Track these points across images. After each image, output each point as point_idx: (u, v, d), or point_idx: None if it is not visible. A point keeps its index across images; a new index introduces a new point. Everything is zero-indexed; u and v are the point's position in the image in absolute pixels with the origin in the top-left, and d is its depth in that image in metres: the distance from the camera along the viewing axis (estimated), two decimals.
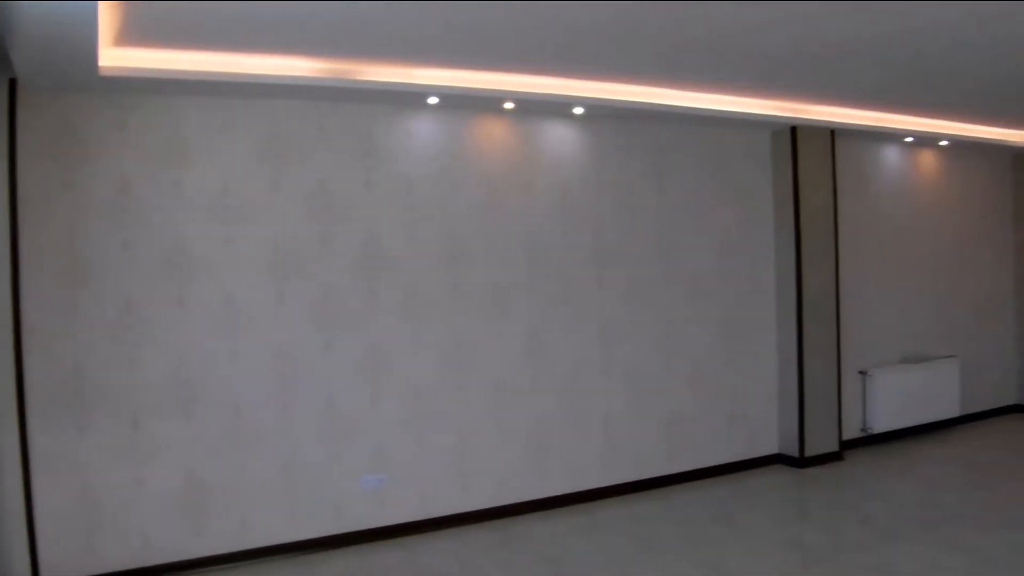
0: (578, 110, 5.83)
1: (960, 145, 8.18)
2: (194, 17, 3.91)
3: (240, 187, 5.01)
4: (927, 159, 8.22)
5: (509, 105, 5.59)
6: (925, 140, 7.84)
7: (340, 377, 5.28)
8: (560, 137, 6.03)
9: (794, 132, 6.80)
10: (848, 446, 7.45)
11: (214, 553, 4.96)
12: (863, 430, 7.62)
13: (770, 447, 7.08)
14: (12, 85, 4.38)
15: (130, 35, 4.14)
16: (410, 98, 5.27)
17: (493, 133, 5.78)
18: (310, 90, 4.94)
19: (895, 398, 7.64)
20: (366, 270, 5.34)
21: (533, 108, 5.74)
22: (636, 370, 6.36)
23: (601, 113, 5.99)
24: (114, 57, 4.31)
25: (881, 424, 7.59)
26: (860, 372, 7.60)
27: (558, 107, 5.75)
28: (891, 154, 7.91)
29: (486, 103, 5.53)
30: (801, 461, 6.91)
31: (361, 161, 5.33)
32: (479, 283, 5.72)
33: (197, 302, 4.90)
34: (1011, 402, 9.06)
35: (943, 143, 8.02)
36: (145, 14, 3.84)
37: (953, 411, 8.15)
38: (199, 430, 4.92)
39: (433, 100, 5.34)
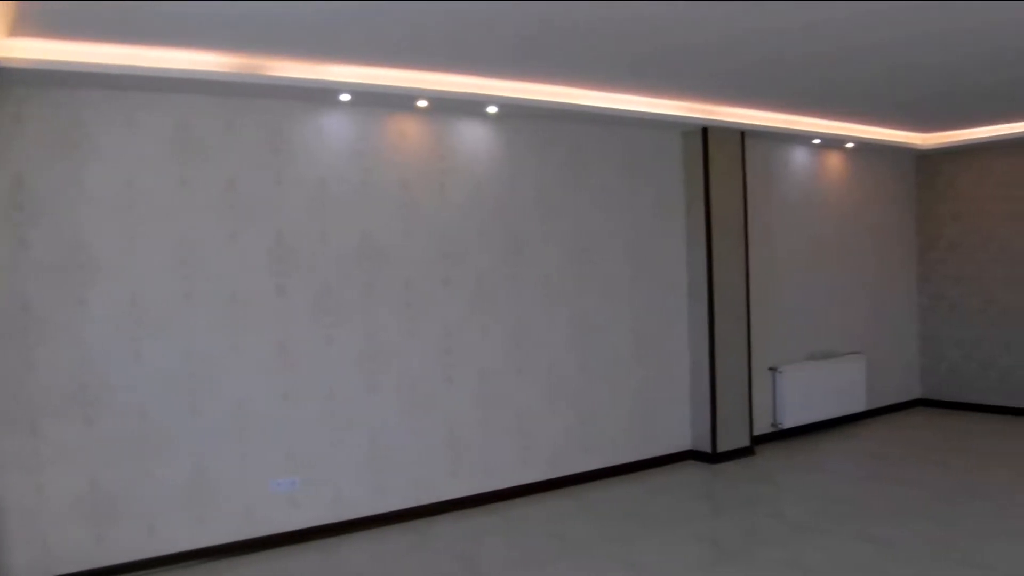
0: (492, 109, 5.82)
1: (865, 147, 8.43)
2: (95, 8, 3.79)
3: (145, 183, 4.87)
4: (834, 160, 8.44)
5: (423, 103, 5.56)
6: (832, 142, 8.05)
7: (249, 378, 5.17)
8: (475, 136, 6.02)
9: (705, 133, 6.91)
10: (759, 441, 7.61)
11: (119, 561, 4.80)
12: (773, 425, 7.79)
13: (683, 444, 7.18)
14: None
15: (27, 26, 3.99)
16: (322, 95, 5.20)
17: (407, 131, 5.74)
18: (218, 85, 4.83)
19: (804, 394, 7.84)
20: (276, 269, 5.24)
21: (447, 106, 5.71)
22: (551, 369, 6.39)
23: (515, 112, 6.00)
24: (9, 48, 4.15)
25: (791, 419, 7.78)
26: (770, 369, 7.76)
27: (472, 106, 5.73)
28: (799, 155, 8.10)
29: (399, 101, 5.48)
30: (713, 457, 7.02)
31: (272, 158, 5.23)
32: (393, 282, 5.67)
33: (99, 302, 4.75)
34: (915, 396, 9.38)
35: (849, 145, 8.24)
36: (43, 4, 3.71)
37: (859, 406, 8.40)
38: (102, 434, 4.76)
39: (345, 97, 5.27)
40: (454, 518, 5.78)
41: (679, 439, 7.16)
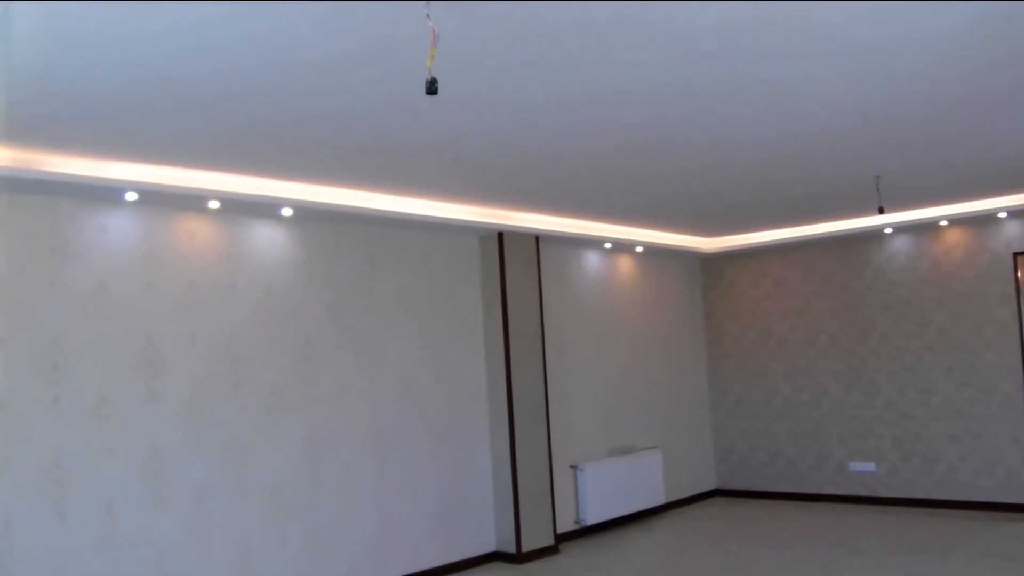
0: (286, 211, 5.79)
1: (654, 251, 8.90)
2: None
3: None
4: (625, 263, 8.85)
5: (214, 204, 5.45)
6: (622, 246, 8.45)
7: (16, 495, 4.73)
8: (268, 237, 5.93)
9: (500, 238, 7.11)
10: (563, 539, 7.67)
11: None
12: (577, 522, 7.88)
13: (488, 545, 7.14)
14: None
15: None
16: (104, 192, 4.97)
17: (196, 232, 5.58)
18: None
19: (605, 489, 7.99)
20: (49, 376, 4.88)
21: (239, 208, 5.63)
22: (349, 475, 6.23)
23: (310, 215, 5.99)
24: None
25: (593, 515, 7.89)
26: (571, 466, 7.89)
27: (265, 208, 5.68)
28: (592, 259, 8.45)
29: (189, 201, 5.34)
30: (518, 557, 7.01)
31: (47, 259, 4.95)
32: (176, 389, 5.40)
33: None
34: (711, 487, 9.75)
35: (639, 249, 8.68)
36: None
37: (658, 499, 8.64)
38: None
39: (132, 196, 5.08)
40: None
41: (483, 541, 7.12)
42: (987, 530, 7.34)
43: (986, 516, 7.86)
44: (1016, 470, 7.88)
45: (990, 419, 8.02)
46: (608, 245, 8.31)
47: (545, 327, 7.63)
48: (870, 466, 8.69)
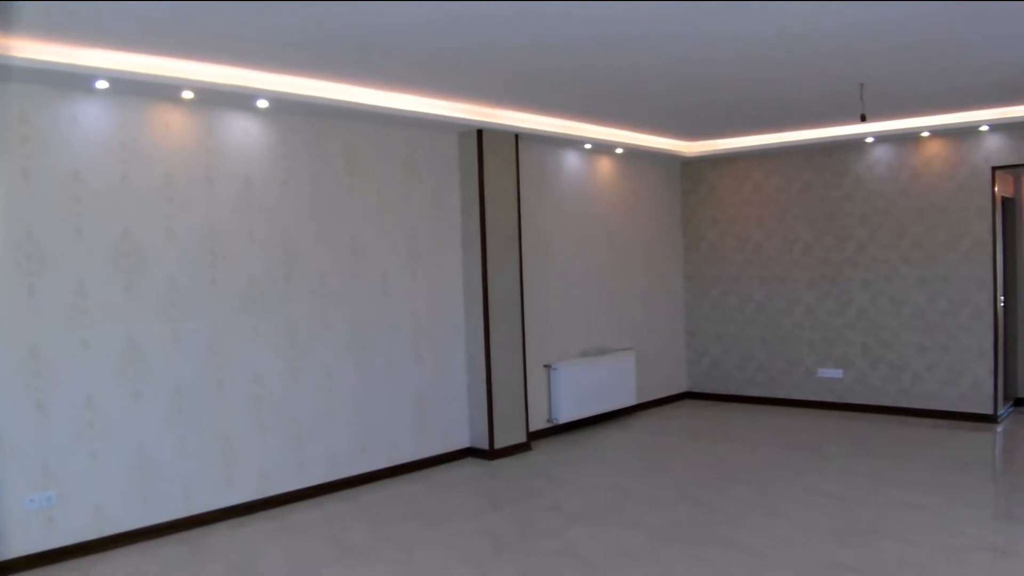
0: (262, 103, 5.67)
1: (634, 153, 8.83)
2: None
3: None
4: (605, 165, 8.79)
5: (188, 94, 5.33)
6: (602, 147, 8.38)
7: None
8: (245, 130, 5.83)
9: (480, 135, 7.02)
10: (536, 437, 7.82)
11: None
12: (549, 421, 8.02)
13: (462, 441, 7.27)
14: None
15: None
16: (74, 80, 4.85)
17: (172, 123, 5.48)
18: None
19: (578, 389, 8.12)
20: (27, 267, 4.85)
21: (214, 99, 5.51)
22: (328, 371, 6.29)
23: (288, 108, 5.87)
24: None
25: (566, 414, 8.03)
26: (545, 366, 7.99)
27: (241, 99, 5.56)
28: (571, 160, 8.38)
29: (162, 90, 5.21)
30: (491, 453, 7.15)
31: (17, 148, 4.85)
32: (154, 282, 5.38)
33: None
34: (682, 390, 9.92)
35: (619, 151, 8.61)
36: None
37: (630, 399, 8.80)
38: None
39: (102, 84, 4.96)
40: (229, 526, 5.58)
41: (458, 437, 7.25)
42: (950, 438, 7.53)
43: (950, 425, 8.06)
44: (981, 381, 8.05)
45: (959, 331, 8.15)
46: (588, 146, 8.24)
47: (523, 227, 7.62)
48: (838, 373, 8.85)
